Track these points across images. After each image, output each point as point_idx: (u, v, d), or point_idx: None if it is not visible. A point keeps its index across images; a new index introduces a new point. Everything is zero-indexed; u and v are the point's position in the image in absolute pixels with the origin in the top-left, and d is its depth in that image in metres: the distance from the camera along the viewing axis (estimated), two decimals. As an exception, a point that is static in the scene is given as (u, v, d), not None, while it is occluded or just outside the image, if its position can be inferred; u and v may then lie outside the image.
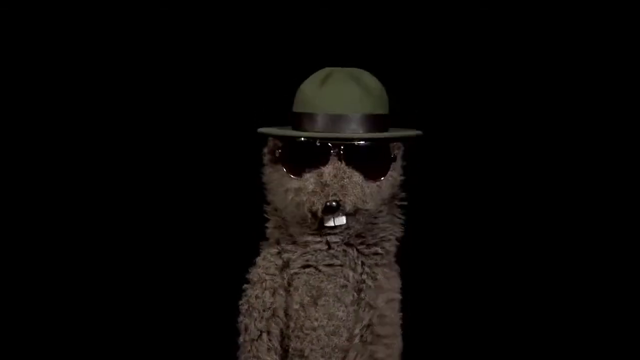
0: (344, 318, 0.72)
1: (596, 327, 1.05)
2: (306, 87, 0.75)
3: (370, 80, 0.75)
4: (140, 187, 1.10)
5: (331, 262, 0.73)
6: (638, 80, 1.05)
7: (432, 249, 1.04)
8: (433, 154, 0.97)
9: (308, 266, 0.73)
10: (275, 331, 0.72)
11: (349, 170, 0.70)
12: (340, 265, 0.73)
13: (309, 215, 0.69)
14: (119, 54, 1.09)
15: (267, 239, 0.77)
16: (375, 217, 0.74)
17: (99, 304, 1.09)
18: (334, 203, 0.68)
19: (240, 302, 0.75)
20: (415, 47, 1.06)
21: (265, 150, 0.75)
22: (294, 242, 0.74)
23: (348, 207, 0.68)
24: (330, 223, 0.70)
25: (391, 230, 0.75)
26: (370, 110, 0.72)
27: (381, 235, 0.75)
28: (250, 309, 0.73)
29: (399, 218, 0.76)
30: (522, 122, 1.08)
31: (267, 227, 0.77)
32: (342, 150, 0.70)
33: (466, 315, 1.07)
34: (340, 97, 0.72)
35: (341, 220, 0.69)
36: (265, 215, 0.77)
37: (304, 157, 0.71)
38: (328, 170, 0.69)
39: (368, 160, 0.71)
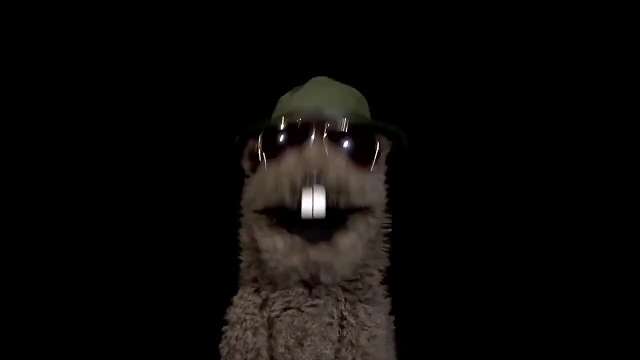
0: (331, 356, 0.68)
1: (594, 330, 1.02)
2: (283, 97, 0.73)
3: (349, 87, 0.73)
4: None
5: (314, 302, 0.69)
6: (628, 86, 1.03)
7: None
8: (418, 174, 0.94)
9: (289, 308, 0.69)
10: None
11: (332, 149, 0.66)
12: (324, 304, 0.69)
13: (287, 195, 0.64)
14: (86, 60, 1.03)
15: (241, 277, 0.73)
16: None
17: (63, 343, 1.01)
18: (314, 172, 0.64)
19: (220, 345, 0.71)
20: (392, 64, 1.03)
21: (245, 152, 0.72)
22: (272, 282, 0.70)
23: (330, 179, 0.64)
24: (309, 210, 0.64)
25: (374, 263, 0.71)
26: (353, 109, 0.70)
27: (361, 270, 0.70)
28: (232, 351, 0.69)
29: (384, 249, 0.72)
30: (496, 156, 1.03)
31: (240, 262, 0.73)
32: (325, 133, 0.66)
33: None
34: (320, 95, 0.70)
35: (321, 206, 0.64)
36: (239, 255, 0.73)
37: (285, 145, 0.68)
38: (310, 147, 0.66)
39: (351, 150, 0.68)
